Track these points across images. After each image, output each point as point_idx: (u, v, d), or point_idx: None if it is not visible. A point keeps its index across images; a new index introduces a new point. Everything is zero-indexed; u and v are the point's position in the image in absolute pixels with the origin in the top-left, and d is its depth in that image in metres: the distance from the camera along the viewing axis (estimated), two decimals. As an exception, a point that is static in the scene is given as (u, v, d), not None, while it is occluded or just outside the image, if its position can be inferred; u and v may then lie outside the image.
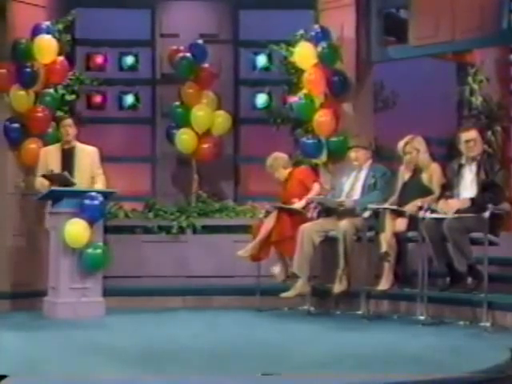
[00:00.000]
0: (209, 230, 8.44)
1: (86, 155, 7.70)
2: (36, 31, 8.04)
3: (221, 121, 8.89)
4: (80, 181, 7.51)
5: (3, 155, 8.11)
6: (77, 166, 7.63)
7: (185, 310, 7.66)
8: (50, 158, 7.69)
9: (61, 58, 8.18)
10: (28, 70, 7.97)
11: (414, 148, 6.95)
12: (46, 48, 8.04)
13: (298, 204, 7.49)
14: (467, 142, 6.67)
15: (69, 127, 7.72)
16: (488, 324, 6.24)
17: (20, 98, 8.01)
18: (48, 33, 8.06)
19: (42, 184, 7.57)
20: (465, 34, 7.53)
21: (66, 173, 7.50)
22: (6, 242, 8.08)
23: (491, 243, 6.39)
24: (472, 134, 6.74)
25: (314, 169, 8.05)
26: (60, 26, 8.28)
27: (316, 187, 7.61)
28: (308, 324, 6.84)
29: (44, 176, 7.54)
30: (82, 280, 7.27)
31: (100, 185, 7.59)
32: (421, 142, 7.01)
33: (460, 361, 4.96)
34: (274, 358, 5.23)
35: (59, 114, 8.24)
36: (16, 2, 8.08)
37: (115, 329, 6.72)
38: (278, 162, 7.80)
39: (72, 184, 7.43)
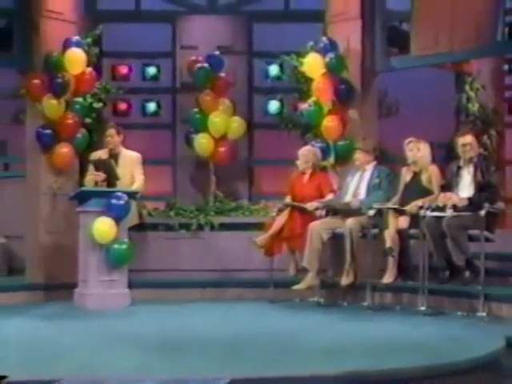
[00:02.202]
0: (225, 227, 8.39)
1: (129, 161, 7.77)
2: (67, 45, 8.04)
3: (236, 126, 8.87)
4: (122, 181, 7.56)
5: (37, 159, 8.12)
6: (120, 169, 7.67)
7: (203, 301, 7.65)
8: None
9: (89, 69, 8.18)
10: (59, 80, 7.96)
11: (416, 147, 6.96)
12: (76, 60, 8.05)
13: (309, 205, 7.44)
14: (464, 145, 6.68)
15: (110, 137, 7.82)
16: (484, 314, 6.23)
17: (52, 106, 8.01)
18: (77, 46, 8.06)
19: (88, 180, 7.60)
20: (462, 45, 7.50)
21: (112, 161, 7.55)
22: (39, 239, 8.09)
23: (487, 239, 6.39)
24: (468, 138, 6.75)
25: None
26: (88, 40, 8.28)
27: (329, 197, 7.51)
28: (317, 314, 6.82)
29: (93, 162, 7.56)
30: (109, 273, 7.27)
31: (136, 186, 7.63)
32: (425, 145, 7.01)
33: (458, 348, 4.96)
34: (286, 345, 5.23)
35: (88, 120, 8.25)
36: (49, 18, 8.08)
37: (139, 318, 6.73)
38: (314, 157, 7.74)
39: (115, 174, 7.47)
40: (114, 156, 7.80)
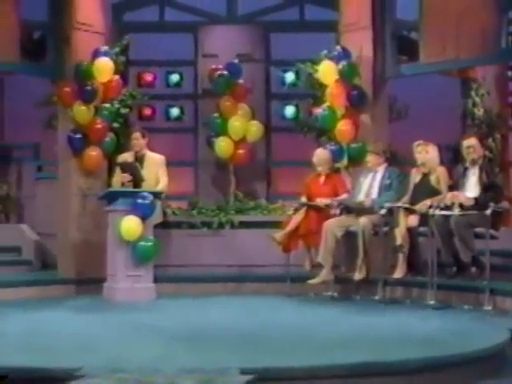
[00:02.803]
0: (245, 225, 8.37)
1: (153, 162, 7.79)
2: (95, 54, 8.07)
3: (254, 130, 8.87)
4: (147, 182, 7.57)
5: (68, 161, 8.15)
6: (145, 170, 7.68)
7: (224, 295, 7.66)
8: None
9: (116, 77, 8.21)
10: (88, 88, 8.00)
11: (424, 149, 6.94)
12: (104, 69, 8.07)
13: (322, 202, 7.47)
14: (467, 147, 6.68)
15: (136, 140, 7.84)
16: (490, 308, 6.22)
17: (82, 112, 8.03)
18: (105, 55, 8.08)
19: (115, 181, 7.64)
20: (468, 53, 7.47)
21: (137, 164, 7.58)
22: (71, 236, 8.12)
23: (492, 237, 6.38)
24: (472, 141, 6.76)
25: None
26: (116, 50, 8.32)
27: (343, 196, 7.51)
28: (332, 308, 6.81)
29: (119, 164, 7.59)
30: (136, 268, 7.28)
31: (161, 186, 7.64)
32: (433, 147, 7.00)
33: (465, 340, 4.94)
34: (302, 337, 5.22)
35: (115, 125, 8.28)
36: (79, 30, 8.12)
37: (164, 310, 6.73)
38: (328, 161, 7.76)
39: (140, 175, 7.49)
40: (140, 158, 7.83)
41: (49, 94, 8.38)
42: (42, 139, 9.35)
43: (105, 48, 8.15)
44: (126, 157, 7.82)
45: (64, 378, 3.93)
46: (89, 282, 7.77)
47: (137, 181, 7.51)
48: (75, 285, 7.94)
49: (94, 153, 8.10)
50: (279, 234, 7.49)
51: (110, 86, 8.19)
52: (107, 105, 8.20)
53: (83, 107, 8.03)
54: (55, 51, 8.16)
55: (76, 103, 8.00)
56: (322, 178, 7.74)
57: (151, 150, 8.04)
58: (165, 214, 8.09)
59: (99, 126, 8.11)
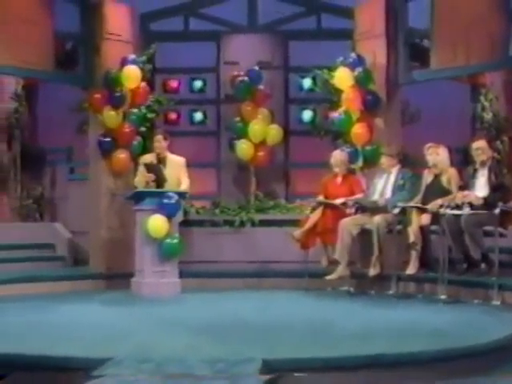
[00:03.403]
0: (265, 223, 8.38)
1: (175, 164, 7.73)
2: (124, 63, 8.10)
3: (273, 133, 8.86)
4: (169, 182, 7.56)
5: (98, 163, 8.22)
6: (167, 171, 7.65)
7: (245, 290, 7.66)
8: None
9: (143, 84, 8.24)
10: (117, 94, 8.04)
11: (435, 151, 6.92)
12: (132, 76, 8.10)
13: (338, 200, 7.45)
14: (477, 149, 6.67)
15: (158, 142, 7.76)
16: (498, 303, 6.19)
17: (111, 116, 8.08)
18: (133, 64, 8.11)
19: (138, 181, 7.64)
20: (477, 60, 7.44)
21: (161, 166, 7.60)
22: (101, 234, 8.18)
23: (501, 235, 6.36)
24: (480, 143, 6.74)
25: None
26: (143, 58, 8.33)
27: (359, 196, 7.49)
28: (348, 302, 6.82)
29: (145, 165, 7.61)
30: (162, 264, 7.28)
31: (184, 187, 7.62)
32: (444, 150, 6.98)
33: (474, 333, 4.93)
34: (319, 329, 5.23)
35: (142, 129, 8.30)
36: (109, 40, 8.18)
37: (188, 304, 6.77)
38: (344, 162, 7.76)
39: (164, 176, 7.48)
40: (162, 160, 7.76)
41: (80, 100, 8.44)
42: (74, 143, 9.39)
43: (132, 56, 8.19)
44: (149, 158, 7.79)
45: (94, 366, 3.96)
46: (118, 276, 7.80)
47: (160, 181, 7.52)
48: (105, 279, 7.99)
49: (122, 155, 8.15)
50: (297, 232, 7.50)
51: (138, 92, 8.22)
52: (135, 110, 8.23)
53: (112, 112, 8.08)
54: (86, 60, 8.23)
55: (105, 109, 8.05)
56: (339, 179, 7.73)
57: (172, 152, 8.01)
58: (186, 212, 8.09)
59: (127, 130, 8.16)
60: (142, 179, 7.61)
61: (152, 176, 7.53)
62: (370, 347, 4.42)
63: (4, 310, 5.99)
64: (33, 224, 9.40)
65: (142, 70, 8.24)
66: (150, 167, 7.61)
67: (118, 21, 8.29)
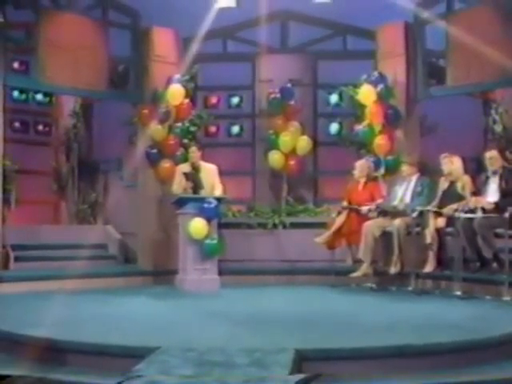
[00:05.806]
0: (295, 226, 8.40)
1: (208, 171, 7.73)
2: (169, 81, 8.20)
3: (303, 144, 8.86)
4: (204, 189, 7.60)
5: (146, 172, 8.31)
6: (202, 178, 7.63)
7: (278, 286, 7.67)
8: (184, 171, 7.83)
9: (186, 100, 8.32)
10: (163, 110, 8.13)
11: (449, 161, 6.89)
12: (176, 94, 8.19)
13: (364, 208, 7.44)
14: (489, 159, 6.63)
15: (193, 153, 7.77)
16: (509, 298, 6.14)
17: (157, 130, 8.17)
18: (178, 82, 8.20)
19: (176, 188, 7.68)
20: (490, 77, 7.41)
21: (197, 173, 7.64)
22: (150, 234, 8.25)
23: (511, 237, 6.26)
24: (493, 153, 6.70)
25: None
26: (186, 77, 8.39)
27: (379, 201, 7.49)
28: (371, 297, 6.81)
29: (184, 173, 7.63)
30: (203, 262, 7.31)
31: (218, 192, 7.62)
32: (458, 159, 6.95)
33: (488, 326, 4.90)
34: (345, 322, 5.22)
35: (185, 141, 8.36)
36: (156, 61, 8.29)
37: (227, 298, 6.78)
38: (368, 169, 7.76)
39: (200, 183, 7.49)
40: (196, 168, 7.73)
41: (130, 116, 8.54)
42: (125, 153, 9.51)
43: (177, 76, 8.27)
44: (185, 167, 7.77)
45: (144, 354, 3.98)
46: (163, 273, 7.86)
47: (197, 188, 7.58)
48: (152, 276, 8.05)
49: (167, 165, 8.21)
50: (319, 238, 7.50)
51: (182, 108, 8.31)
52: (179, 124, 8.31)
53: (159, 126, 8.17)
54: (136, 80, 8.36)
55: (153, 123, 8.14)
56: (361, 185, 7.74)
57: (213, 162, 8.07)
58: (226, 216, 8.11)
59: (172, 142, 8.24)
60: (179, 186, 7.67)
61: (190, 183, 7.59)
62: (394, 338, 4.41)
63: (66, 303, 6.06)
64: (88, 226, 9.53)
65: (185, 88, 8.31)
66: (188, 175, 7.66)
67: (164, 44, 8.40)
